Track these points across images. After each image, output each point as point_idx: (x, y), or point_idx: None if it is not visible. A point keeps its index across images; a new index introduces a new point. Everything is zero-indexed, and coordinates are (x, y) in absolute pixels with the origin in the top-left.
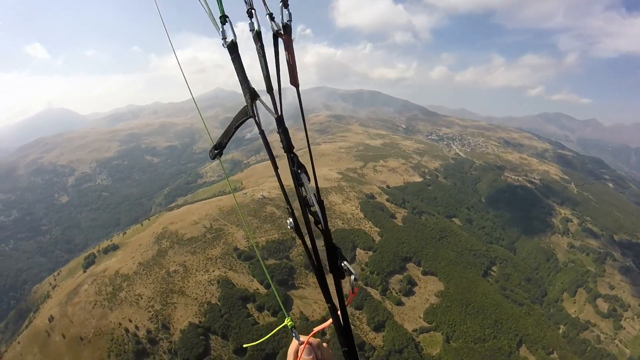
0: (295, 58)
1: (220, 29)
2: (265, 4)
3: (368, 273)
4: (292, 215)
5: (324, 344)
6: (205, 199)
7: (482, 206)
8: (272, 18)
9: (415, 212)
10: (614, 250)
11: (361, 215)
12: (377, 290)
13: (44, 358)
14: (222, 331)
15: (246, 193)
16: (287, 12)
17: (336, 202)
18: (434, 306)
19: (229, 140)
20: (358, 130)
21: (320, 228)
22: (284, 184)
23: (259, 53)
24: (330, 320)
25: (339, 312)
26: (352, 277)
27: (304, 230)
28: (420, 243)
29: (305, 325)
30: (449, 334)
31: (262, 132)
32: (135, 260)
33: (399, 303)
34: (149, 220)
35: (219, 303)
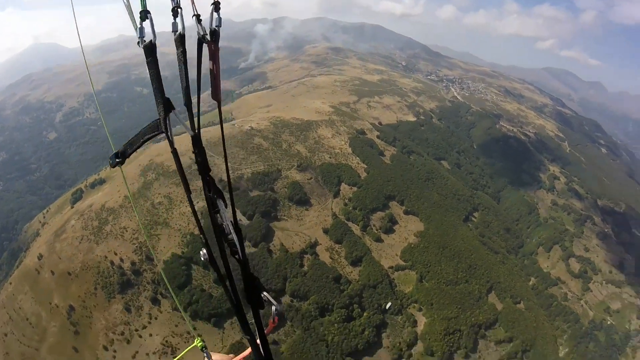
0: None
1: (139, 27)
2: (193, 3)
3: (351, 208)
4: (206, 245)
5: None
6: None
7: (473, 152)
8: (199, 20)
9: (404, 151)
10: (595, 215)
11: (349, 150)
12: (358, 225)
13: (35, 296)
14: (204, 262)
15: (234, 124)
16: (217, 17)
17: (325, 135)
18: (412, 246)
19: (133, 151)
20: (356, 64)
21: (237, 258)
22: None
23: (179, 60)
24: (249, 349)
25: (258, 342)
26: (273, 308)
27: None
28: (406, 183)
29: (285, 258)
30: (423, 274)
31: (174, 151)
32: (121, 193)
33: (378, 240)
34: (136, 152)
35: (200, 235)
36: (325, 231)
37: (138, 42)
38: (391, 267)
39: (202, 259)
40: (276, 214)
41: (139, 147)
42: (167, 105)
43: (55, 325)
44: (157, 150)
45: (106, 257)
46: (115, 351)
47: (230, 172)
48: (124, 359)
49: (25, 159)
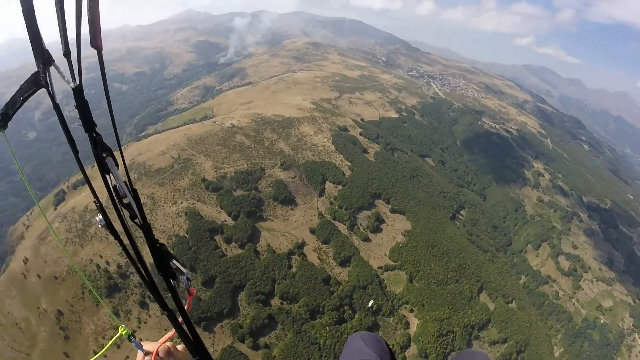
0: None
1: None
2: None
3: (337, 207)
4: (102, 210)
5: (180, 347)
6: (175, 128)
7: (456, 149)
8: None
9: (388, 148)
10: (581, 212)
11: (332, 147)
12: (344, 225)
13: (23, 300)
14: (190, 264)
15: (215, 121)
16: None
17: (308, 133)
18: (400, 245)
19: (15, 111)
20: (336, 59)
21: (138, 223)
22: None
23: (56, 5)
24: (173, 330)
25: (180, 319)
26: (184, 277)
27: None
28: (391, 180)
29: (272, 259)
30: (413, 274)
31: (56, 106)
32: (103, 194)
33: (366, 239)
34: (118, 151)
35: (186, 235)
36: (312, 231)
37: None
38: (380, 267)
39: (99, 225)
40: (261, 214)
41: (20, 106)
42: (45, 58)
43: (45, 331)
44: (138, 150)
45: (91, 260)
46: (105, 356)
47: (213, 171)
48: None
49: (5, 159)
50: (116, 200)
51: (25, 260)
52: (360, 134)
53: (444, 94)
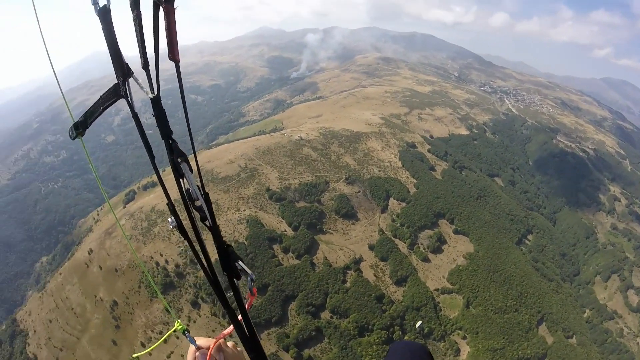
0: (177, 30)
1: None
2: None
3: (398, 225)
4: (174, 212)
5: (230, 344)
6: (245, 138)
7: (528, 169)
8: None
9: (456, 166)
10: None
11: (399, 164)
12: (405, 243)
13: (82, 288)
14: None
15: (284, 134)
16: None
17: (375, 148)
18: (460, 268)
19: (94, 120)
20: (407, 74)
21: (208, 225)
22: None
23: (135, 22)
24: (231, 327)
25: (239, 317)
26: (249, 277)
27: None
28: (457, 200)
29: (327, 272)
30: (470, 299)
31: (135, 115)
32: (171, 197)
33: (425, 259)
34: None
35: (245, 242)
36: (371, 247)
37: (95, 10)
38: (437, 290)
39: (171, 226)
40: (322, 226)
41: (99, 115)
42: (125, 71)
43: (98, 318)
44: (207, 157)
45: (152, 257)
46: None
47: (278, 181)
48: (159, 359)
49: (83, 158)
50: (188, 203)
51: (90, 251)
52: (429, 150)
53: (517, 111)
